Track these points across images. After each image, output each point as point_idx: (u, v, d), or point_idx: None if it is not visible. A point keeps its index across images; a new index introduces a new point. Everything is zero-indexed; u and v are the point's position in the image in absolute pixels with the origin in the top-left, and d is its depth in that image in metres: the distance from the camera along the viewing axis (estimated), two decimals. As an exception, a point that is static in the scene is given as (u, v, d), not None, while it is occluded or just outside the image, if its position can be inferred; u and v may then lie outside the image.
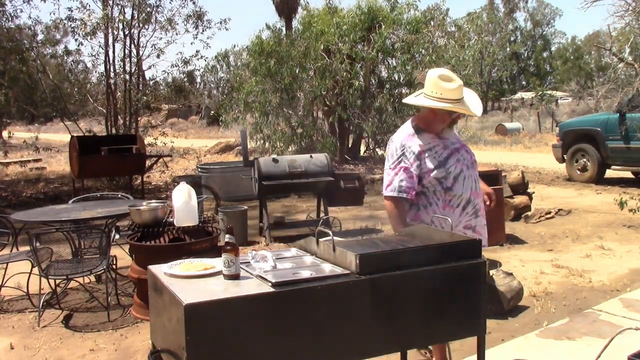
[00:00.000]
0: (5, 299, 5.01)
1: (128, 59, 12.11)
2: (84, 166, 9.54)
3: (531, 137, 22.95)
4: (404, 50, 13.90)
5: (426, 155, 2.90)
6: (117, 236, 5.19)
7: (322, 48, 13.78)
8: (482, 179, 3.21)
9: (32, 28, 12.38)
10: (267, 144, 14.56)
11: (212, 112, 32.43)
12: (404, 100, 3.27)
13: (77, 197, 6.40)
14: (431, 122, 2.96)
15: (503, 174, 7.14)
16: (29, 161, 15.91)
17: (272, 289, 2.07)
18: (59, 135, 25.05)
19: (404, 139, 2.95)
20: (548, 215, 7.99)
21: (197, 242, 4.23)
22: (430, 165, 2.89)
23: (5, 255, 5.01)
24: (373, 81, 15.09)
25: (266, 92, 14.10)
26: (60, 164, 15.88)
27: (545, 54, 53.34)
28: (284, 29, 19.53)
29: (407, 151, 2.91)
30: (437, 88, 2.84)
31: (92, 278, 5.17)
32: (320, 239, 2.48)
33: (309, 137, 14.10)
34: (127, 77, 12.10)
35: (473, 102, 2.98)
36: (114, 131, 11.86)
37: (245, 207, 7.30)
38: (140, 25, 11.94)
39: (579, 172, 11.45)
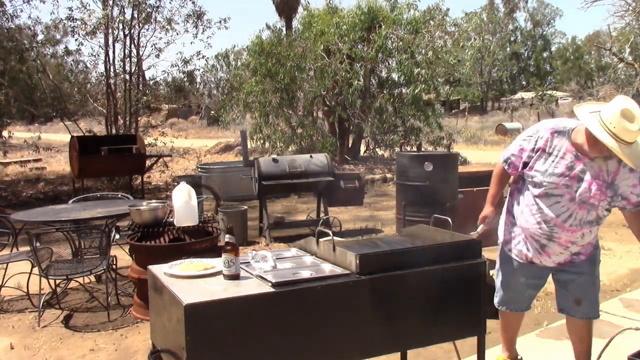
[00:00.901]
0: (5, 299, 5.01)
1: (128, 59, 12.13)
2: (84, 166, 9.53)
3: (531, 137, 22.93)
4: (404, 50, 13.90)
5: (544, 156, 2.81)
6: (117, 236, 5.19)
7: (322, 48, 13.78)
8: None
9: (32, 28, 12.41)
10: (267, 144, 14.57)
11: (212, 112, 32.40)
12: (574, 108, 2.83)
13: (77, 197, 6.40)
14: (587, 144, 2.72)
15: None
16: (28, 161, 15.88)
17: (272, 289, 2.07)
18: (59, 135, 25.03)
19: (545, 128, 2.85)
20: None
21: (197, 242, 4.23)
22: (538, 165, 2.83)
23: (5, 255, 5.01)
24: (373, 81, 15.09)
25: (266, 92, 14.10)
26: (60, 164, 15.86)
27: (545, 54, 53.33)
28: (284, 29, 19.53)
29: (535, 138, 2.85)
30: (615, 121, 2.57)
31: (92, 278, 5.17)
32: (320, 239, 2.48)
33: (309, 137, 14.11)
34: (127, 77, 12.11)
35: None
36: (114, 131, 11.86)
37: (245, 207, 7.30)
38: (140, 25, 11.95)
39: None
